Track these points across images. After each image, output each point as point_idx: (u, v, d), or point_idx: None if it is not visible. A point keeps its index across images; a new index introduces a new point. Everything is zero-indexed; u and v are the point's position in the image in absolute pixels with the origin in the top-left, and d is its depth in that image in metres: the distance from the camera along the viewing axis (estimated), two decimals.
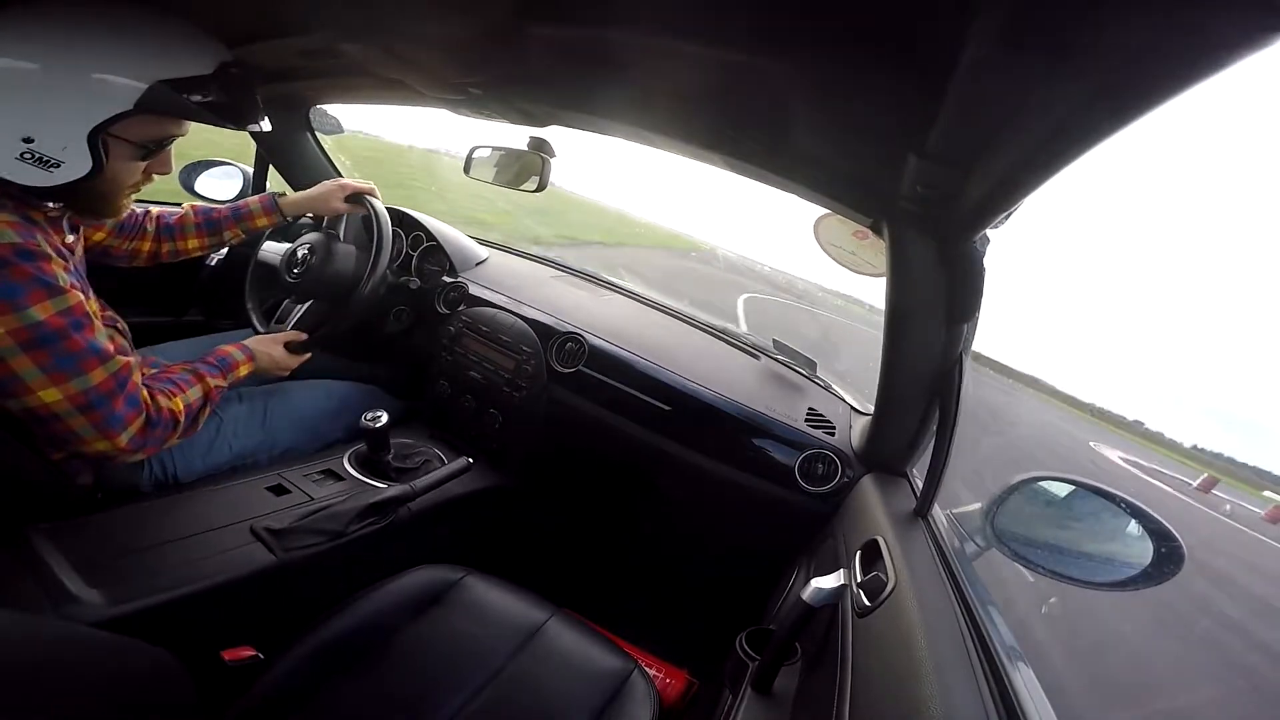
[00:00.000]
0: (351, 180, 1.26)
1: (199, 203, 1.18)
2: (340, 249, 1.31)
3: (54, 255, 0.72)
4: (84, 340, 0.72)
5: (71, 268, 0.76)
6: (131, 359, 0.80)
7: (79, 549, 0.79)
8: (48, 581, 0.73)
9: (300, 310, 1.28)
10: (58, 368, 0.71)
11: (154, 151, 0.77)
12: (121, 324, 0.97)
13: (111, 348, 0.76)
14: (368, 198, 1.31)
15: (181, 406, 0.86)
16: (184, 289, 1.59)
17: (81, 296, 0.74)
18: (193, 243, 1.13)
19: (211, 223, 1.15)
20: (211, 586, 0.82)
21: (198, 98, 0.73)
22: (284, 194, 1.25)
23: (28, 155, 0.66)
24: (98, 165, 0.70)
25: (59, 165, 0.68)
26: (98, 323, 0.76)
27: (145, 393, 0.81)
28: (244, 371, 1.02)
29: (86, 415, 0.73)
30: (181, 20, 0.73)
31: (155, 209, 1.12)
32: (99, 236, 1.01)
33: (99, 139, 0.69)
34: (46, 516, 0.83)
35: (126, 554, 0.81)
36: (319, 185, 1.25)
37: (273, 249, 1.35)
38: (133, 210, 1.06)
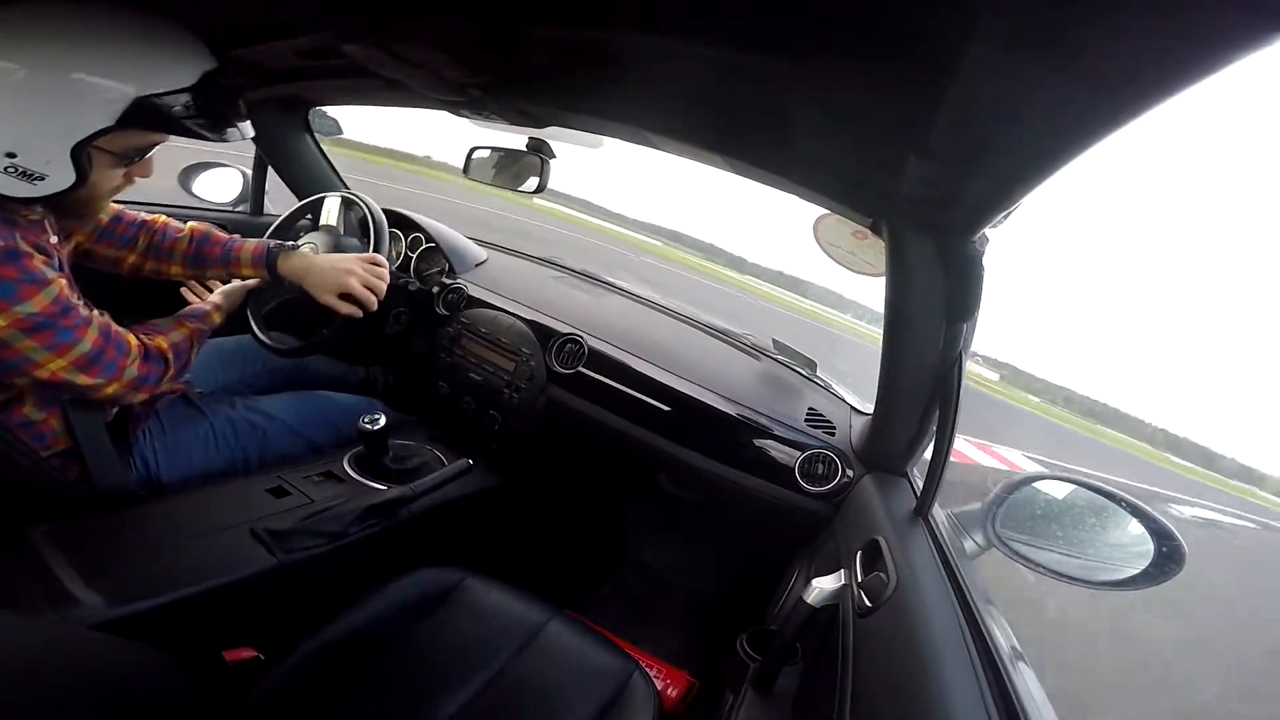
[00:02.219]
0: (355, 282, 1.10)
1: (204, 226, 1.13)
2: (345, 246, 1.31)
3: (34, 252, 0.75)
4: (73, 319, 0.79)
5: (55, 264, 0.80)
6: (104, 316, 0.86)
7: (79, 550, 0.79)
8: (48, 583, 0.73)
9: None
10: (58, 343, 0.78)
11: (136, 159, 0.79)
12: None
13: (88, 312, 0.83)
14: (364, 197, 1.32)
15: (166, 345, 0.93)
16: (181, 296, 1.59)
17: (62, 280, 0.79)
18: (175, 269, 1.11)
19: (200, 258, 1.10)
20: (212, 588, 0.82)
21: (180, 109, 0.72)
22: (296, 247, 1.15)
23: (11, 170, 0.67)
24: (81, 178, 0.71)
25: (43, 178, 0.69)
26: (76, 301, 0.82)
27: (130, 336, 0.88)
28: (217, 318, 1.07)
29: (87, 372, 0.81)
30: (167, 27, 0.72)
31: (160, 220, 1.10)
32: (78, 239, 1.00)
33: (82, 152, 0.70)
34: (40, 515, 0.83)
35: (127, 555, 0.81)
36: (332, 262, 1.11)
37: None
38: (126, 220, 1.05)
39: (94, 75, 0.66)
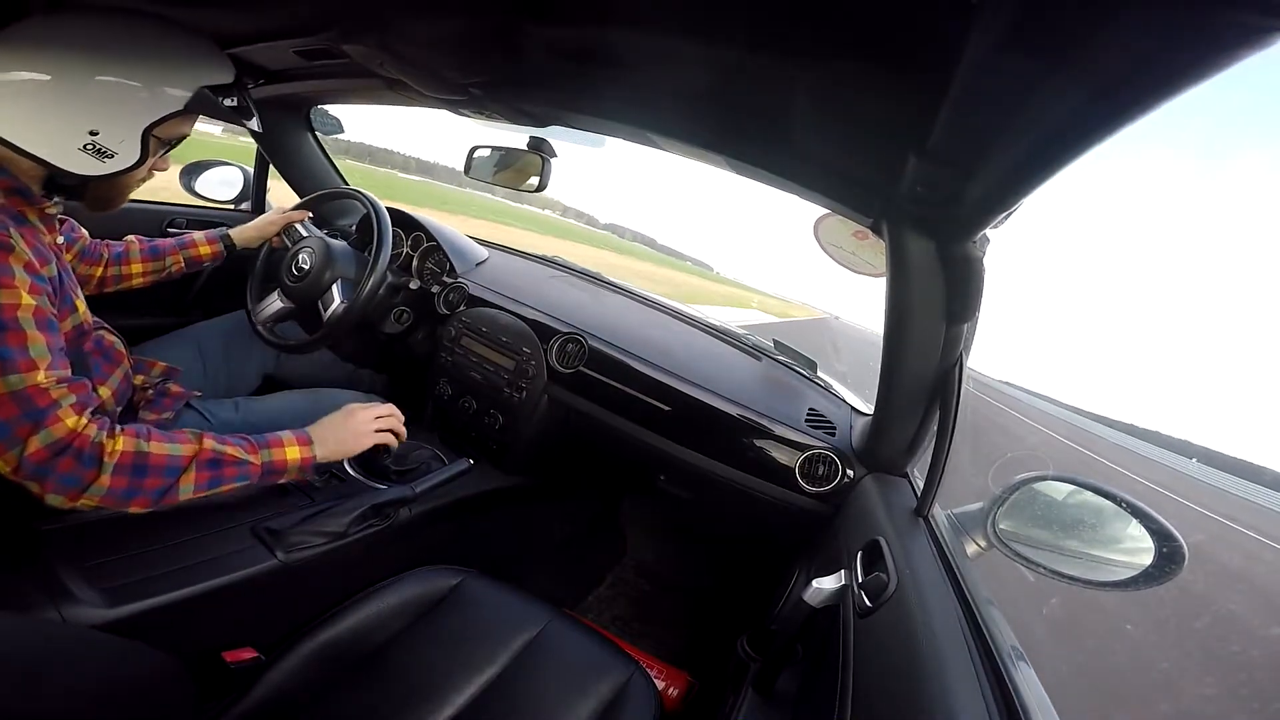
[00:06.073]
0: (292, 211, 1.37)
1: (144, 238, 1.22)
2: (338, 251, 1.32)
3: (18, 248, 0.68)
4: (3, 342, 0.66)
5: (55, 270, 0.76)
6: (52, 377, 0.69)
7: (81, 550, 0.79)
8: (50, 582, 0.73)
9: (282, 308, 1.32)
10: None
11: (167, 150, 0.86)
12: (109, 331, 0.97)
13: (32, 360, 0.67)
14: (368, 196, 1.33)
15: (125, 449, 0.72)
16: (186, 292, 1.60)
17: (29, 300, 0.68)
18: (136, 267, 1.17)
19: (155, 250, 1.20)
20: (213, 587, 0.82)
21: (228, 102, 0.84)
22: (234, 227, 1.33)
23: (89, 146, 0.74)
24: (143, 158, 0.79)
25: (113, 156, 0.76)
26: (36, 332, 0.69)
27: (70, 417, 0.69)
28: (292, 454, 0.85)
29: None
30: (207, 37, 0.84)
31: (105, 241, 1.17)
32: (66, 258, 1.03)
33: (148, 135, 0.78)
34: (44, 514, 0.82)
35: (128, 555, 0.81)
36: (261, 216, 1.35)
37: (271, 302, 1.37)
38: (92, 239, 1.11)
39: (171, 66, 0.79)
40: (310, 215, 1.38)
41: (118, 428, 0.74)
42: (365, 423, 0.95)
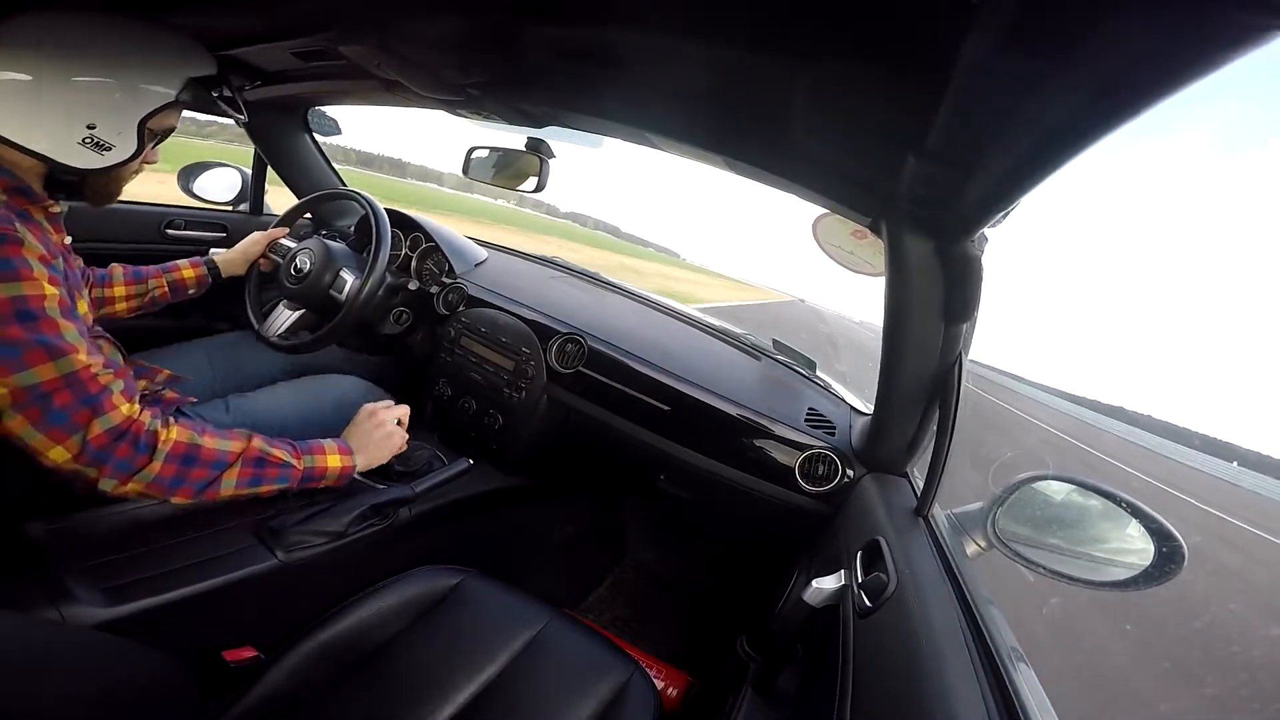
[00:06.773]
0: (273, 229, 1.38)
1: (127, 265, 1.23)
2: (338, 251, 1.32)
3: (27, 241, 0.68)
4: (29, 332, 0.65)
5: (61, 268, 0.76)
6: (96, 361, 0.71)
7: (80, 548, 0.79)
8: (48, 582, 0.73)
9: (294, 316, 1.30)
10: None
11: (158, 142, 0.87)
12: (107, 340, 0.96)
13: (73, 345, 0.69)
14: (367, 197, 1.33)
15: (179, 438, 0.75)
16: None
17: (51, 290, 0.69)
18: (119, 290, 1.17)
19: (138, 274, 1.20)
20: (213, 587, 0.82)
21: (215, 93, 0.87)
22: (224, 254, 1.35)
23: (88, 140, 0.76)
24: (139, 150, 0.80)
25: (110, 149, 0.78)
26: (65, 321, 0.70)
27: (124, 404, 0.72)
28: (333, 462, 0.89)
29: (24, 412, 0.65)
30: (185, 32, 0.85)
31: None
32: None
33: (144, 126, 0.80)
34: (44, 511, 0.82)
35: (128, 554, 0.81)
36: (243, 240, 1.36)
37: (279, 314, 1.37)
38: (81, 266, 1.10)
39: (160, 61, 0.81)
40: (289, 230, 1.39)
41: (170, 418, 0.78)
42: (388, 423, 0.99)
